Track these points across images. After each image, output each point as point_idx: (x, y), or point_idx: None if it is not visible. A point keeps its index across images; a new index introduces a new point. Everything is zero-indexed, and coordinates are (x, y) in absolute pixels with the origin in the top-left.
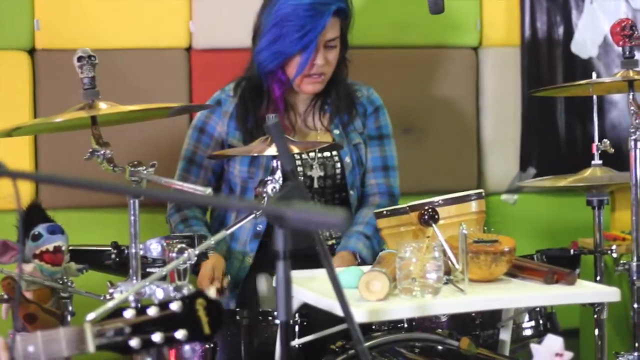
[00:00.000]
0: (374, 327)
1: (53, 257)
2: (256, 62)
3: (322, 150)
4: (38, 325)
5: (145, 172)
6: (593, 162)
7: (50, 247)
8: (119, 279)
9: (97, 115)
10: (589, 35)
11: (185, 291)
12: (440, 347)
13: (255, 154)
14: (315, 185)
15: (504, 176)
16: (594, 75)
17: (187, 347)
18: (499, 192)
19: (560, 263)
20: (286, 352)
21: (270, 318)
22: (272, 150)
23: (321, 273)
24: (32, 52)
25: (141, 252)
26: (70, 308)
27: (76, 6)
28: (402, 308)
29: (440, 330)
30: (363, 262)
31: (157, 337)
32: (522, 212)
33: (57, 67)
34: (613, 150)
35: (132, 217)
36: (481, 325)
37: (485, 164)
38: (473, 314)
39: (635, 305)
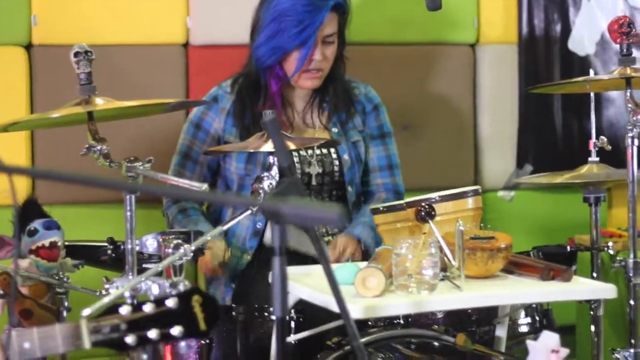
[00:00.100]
0: (370, 323)
1: (49, 252)
2: (254, 57)
3: (320, 147)
4: (34, 321)
5: (141, 167)
6: (590, 159)
7: (46, 242)
8: (115, 275)
9: (93, 110)
10: (586, 33)
11: (181, 287)
12: (436, 344)
13: (252, 150)
14: (314, 182)
15: (501, 173)
16: (591, 72)
17: (182, 344)
18: (495, 189)
19: (556, 260)
20: (282, 348)
21: (266, 314)
22: (268, 147)
23: (317, 269)
24: (28, 47)
25: (137, 248)
26: (66, 304)
27: (73, 2)
28: (398, 304)
29: (436, 327)
30: (366, 252)
31: (152, 333)
32: (519, 208)
33: (53, 62)
34: (610, 147)
35: (128, 213)
36: (477, 321)
37: (482, 160)
38: (469, 311)
39: (632, 302)
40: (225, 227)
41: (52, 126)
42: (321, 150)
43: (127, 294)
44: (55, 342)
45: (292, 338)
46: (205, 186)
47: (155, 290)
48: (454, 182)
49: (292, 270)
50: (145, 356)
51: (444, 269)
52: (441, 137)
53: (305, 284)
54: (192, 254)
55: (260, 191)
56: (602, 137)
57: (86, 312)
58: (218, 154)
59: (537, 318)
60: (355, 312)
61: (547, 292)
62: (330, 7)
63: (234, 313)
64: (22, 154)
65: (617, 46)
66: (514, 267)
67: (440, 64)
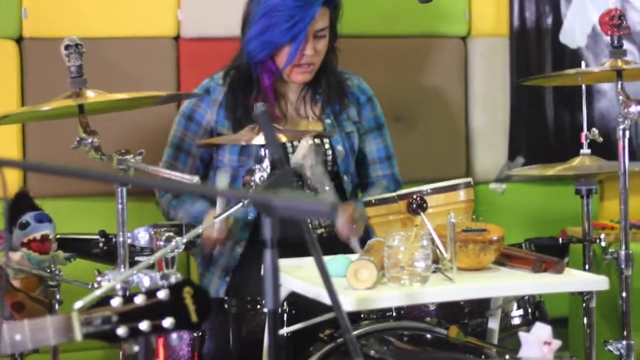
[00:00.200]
0: (362, 315)
1: (41, 245)
2: (245, 51)
3: (313, 138)
4: (25, 314)
5: (132, 160)
6: (582, 151)
7: (38, 235)
8: (107, 268)
9: (84, 103)
10: (577, 25)
11: (172, 279)
12: (428, 336)
13: (244, 143)
14: None
15: (493, 165)
16: (582, 64)
17: (174, 336)
18: (487, 181)
19: (548, 252)
20: (274, 340)
21: (258, 307)
22: (260, 139)
23: (309, 261)
24: (19, 40)
25: (129, 241)
26: (57, 296)
27: None
28: (390, 296)
29: (428, 319)
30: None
31: (144, 325)
32: (511, 201)
33: (44, 55)
34: (602, 139)
35: (120, 206)
36: (470, 313)
37: (473, 152)
38: (462, 303)
39: (624, 294)
40: (217, 219)
41: (43, 119)
42: (314, 141)
43: (118, 286)
44: (46, 334)
45: (284, 330)
46: (196, 179)
47: (146, 282)
48: (446, 174)
49: (284, 263)
50: (136, 348)
51: (436, 261)
52: (433, 129)
53: (298, 276)
54: (183, 247)
55: (252, 183)
56: (593, 129)
57: (78, 304)
58: (211, 147)
59: (530, 310)
60: (348, 304)
61: (539, 284)
62: (322, 2)
63: (226, 305)
64: (13, 147)
65: (608, 38)
66: (506, 259)
67: (432, 56)
